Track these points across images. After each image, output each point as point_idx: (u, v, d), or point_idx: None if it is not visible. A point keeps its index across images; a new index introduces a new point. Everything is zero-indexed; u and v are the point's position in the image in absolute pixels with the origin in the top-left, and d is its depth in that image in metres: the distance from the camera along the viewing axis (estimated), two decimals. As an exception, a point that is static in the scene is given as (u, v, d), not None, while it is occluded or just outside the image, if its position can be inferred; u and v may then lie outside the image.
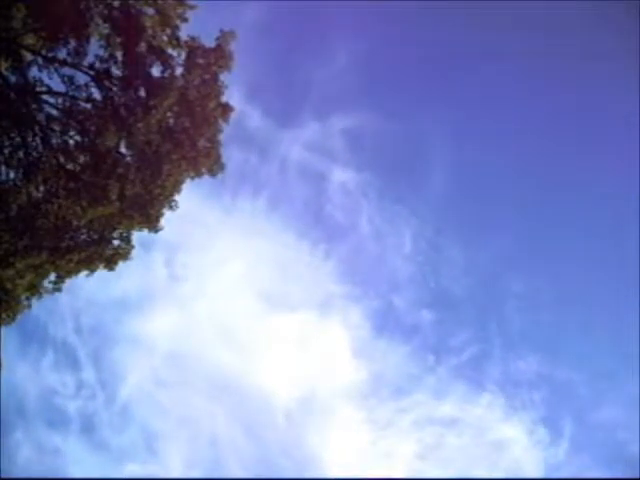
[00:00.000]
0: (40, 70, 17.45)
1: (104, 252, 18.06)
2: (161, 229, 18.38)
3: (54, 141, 17.78)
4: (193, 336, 37.95)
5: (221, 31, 17.64)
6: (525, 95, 32.99)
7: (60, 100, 17.60)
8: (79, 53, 17.35)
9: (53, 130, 17.73)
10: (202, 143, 18.01)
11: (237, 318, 39.27)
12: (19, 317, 17.93)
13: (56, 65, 17.42)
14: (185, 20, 17.71)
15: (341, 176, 37.44)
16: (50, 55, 17.34)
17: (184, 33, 17.71)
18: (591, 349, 36.76)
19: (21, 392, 32.71)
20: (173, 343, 37.33)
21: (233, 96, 18.57)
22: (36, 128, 17.59)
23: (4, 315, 17.52)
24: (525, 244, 37.42)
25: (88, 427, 35.69)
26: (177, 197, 18.41)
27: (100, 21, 17.15)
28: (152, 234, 18.54)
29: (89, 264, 17.98)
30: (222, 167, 18.54)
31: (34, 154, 17.64)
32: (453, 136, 35.02)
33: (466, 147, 35.65)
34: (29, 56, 17.40)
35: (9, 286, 17.15)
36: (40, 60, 17.42)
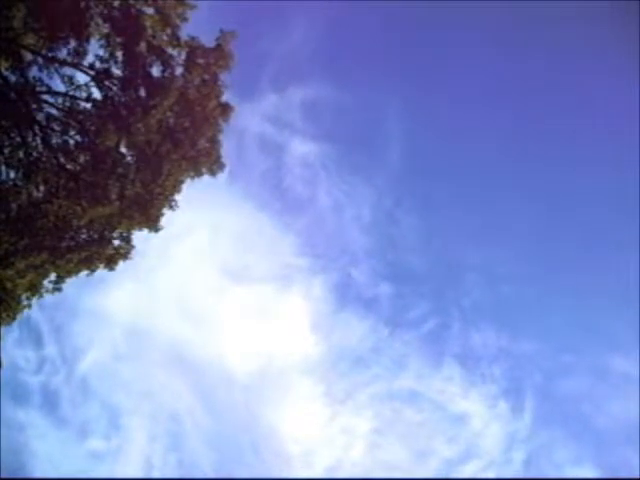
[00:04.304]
0: (40, 70, 17.46)
1: (104, 252, 18.06)
2: (161, 229, 18.40)
3: (54, 141, 17.78)
4: (153, 310, 37.63)
5: (221, 31, 17.69)
6: (484, 66, 32.83)
7: (60, 100, 17.61)
8: (79, 53, 17.35)
9: (53, 130, 17.73)
10: (202, 143, 18.02)
11: (197, 291, 39.15)
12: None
13: (56, 65, 17.42)
14: (185, 20, 17.70)
15: (300, 148, 37.25)
16: (50, 55, 17.33)
17: (184, 33, 17.75)
18: (553, 321, 36.59)
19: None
20: (133, 317, 36.99)
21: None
22: (36, 128, 17.60)
23: (4, 315, 17.51)
24: (483, 216, 37.19)
25: (51, 402, 35.80)
26: (177, 197, 18.46)
27: (100, 21, 17.14)
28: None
29: (89, 264, 17.98)
30: (222, 167, 18.56)
31: (34, 154, 17.65)
32: (410, 108, 34.93)
33: (423, 119, 35.58)
34: (29, 56, 17.38)
35: (9, 286, 17.14)
36: (40, 60, 17.41)
